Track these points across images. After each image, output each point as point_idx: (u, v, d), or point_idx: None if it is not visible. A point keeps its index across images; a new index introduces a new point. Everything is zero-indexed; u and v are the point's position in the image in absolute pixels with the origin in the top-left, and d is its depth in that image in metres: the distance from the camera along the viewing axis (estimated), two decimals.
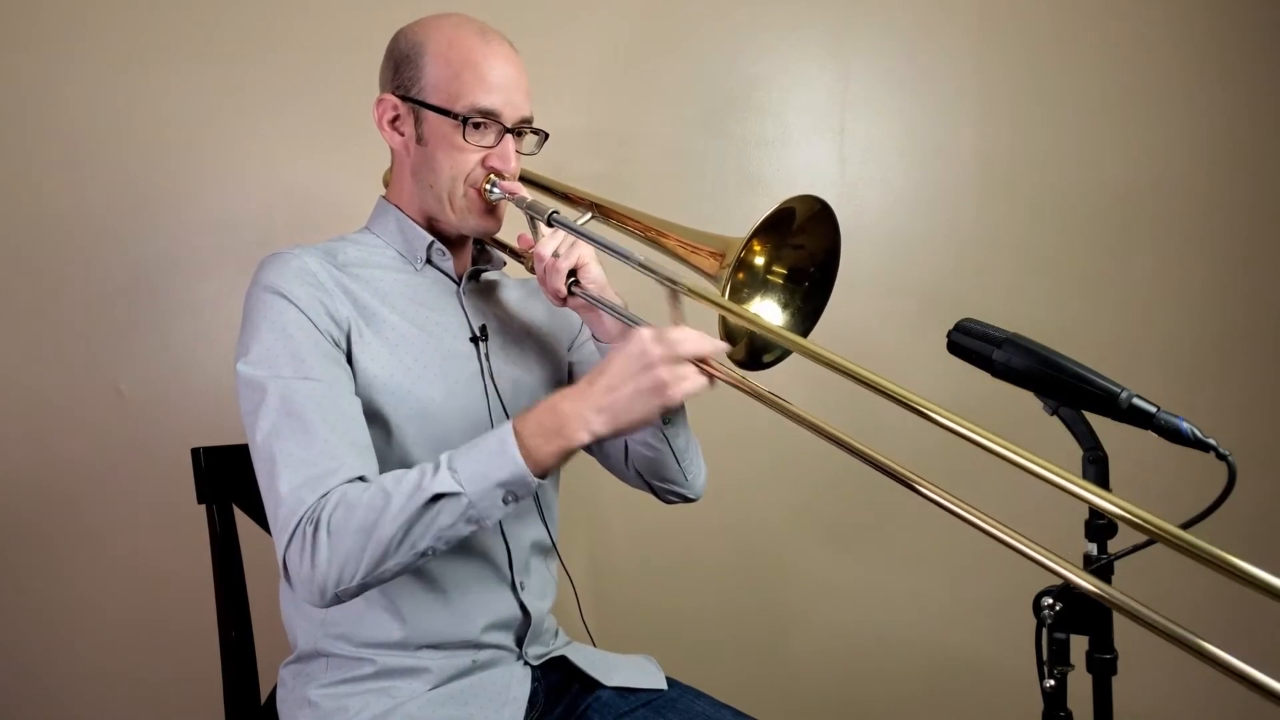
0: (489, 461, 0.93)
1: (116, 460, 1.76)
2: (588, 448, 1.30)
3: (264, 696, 1.27)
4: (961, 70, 2.06)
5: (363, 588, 0.95)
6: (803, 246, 1.06)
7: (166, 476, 1.69)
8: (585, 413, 0.94)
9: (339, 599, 0.95)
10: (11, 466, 1.74)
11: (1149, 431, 0.79)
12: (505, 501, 0.94)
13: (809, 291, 1.07)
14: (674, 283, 0.99)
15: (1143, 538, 0.79)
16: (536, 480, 0.94)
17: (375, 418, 1.05)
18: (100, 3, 1.75)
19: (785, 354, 1.05)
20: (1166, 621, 0.68)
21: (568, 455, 0.96)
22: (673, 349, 0.92)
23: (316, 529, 0.93)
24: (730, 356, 1.00)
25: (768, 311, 1.08)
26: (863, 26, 2.04)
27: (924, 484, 0.81)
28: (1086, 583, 0.73)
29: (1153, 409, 0.79)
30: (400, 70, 1.13)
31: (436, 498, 0.92)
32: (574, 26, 1.94)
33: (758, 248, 1.06)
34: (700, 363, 0.94)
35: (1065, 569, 0.73)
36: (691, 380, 0.93)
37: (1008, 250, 2.07)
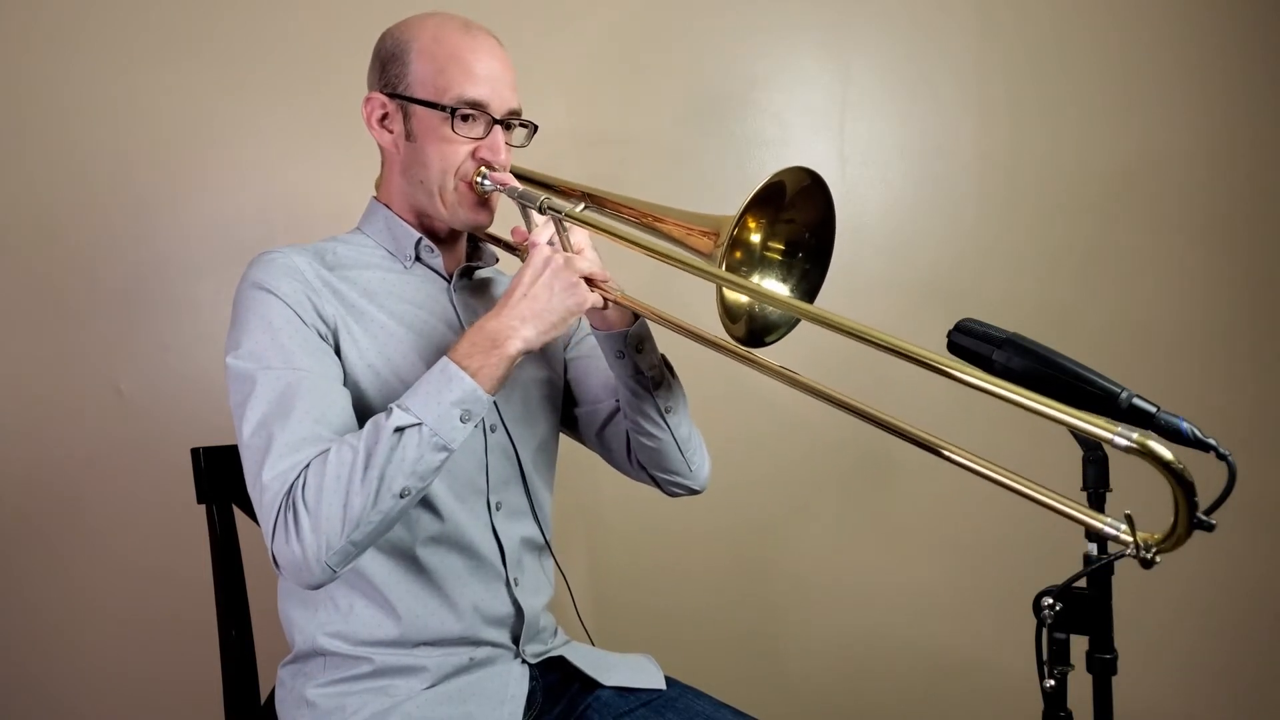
0: (437, 389, 0.97)
1: (116, 460, 1.76)
2: (585, 440, 1.31)
3: (264, 696, 1.28)
4: (961, 70, 2.06)
5: (350, 549, 0.95)
6: (795, 220, 1.05)
7: (166, 476, 1.69)
8: (512, 322, 1.00)
9: (331, 569, 0.95)
10: (11, 466, 1.74)
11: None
12: (463, 420, 0.97)
13: (806, 266, 1.07)
14: (556, 210, 1.06)
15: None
16: (487, 395, 0.98)
17: (364, 418, 1.05)
18: (100, 3, 1.75)
19: (787, 330, 1.05)
20: None
21: (508, 366, 1.00)
22: (571, 261, 1.03)
23: (294, 508, 0.94)
24: (731, 334, 1.02)
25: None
26: (863, 26, 2.04)
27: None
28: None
29: (1152, 409, 0.79)
30: (387, 68, 1.13)
31: (398, 432, 0.94)
32: (573, 27, 1.94)
33: (751, 225, 1.05)
34: (589, 280, 1.03)
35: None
36: (592, 294, 1.03)
37: (1008, 250, 2.07)
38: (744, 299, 1.04)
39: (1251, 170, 2.12)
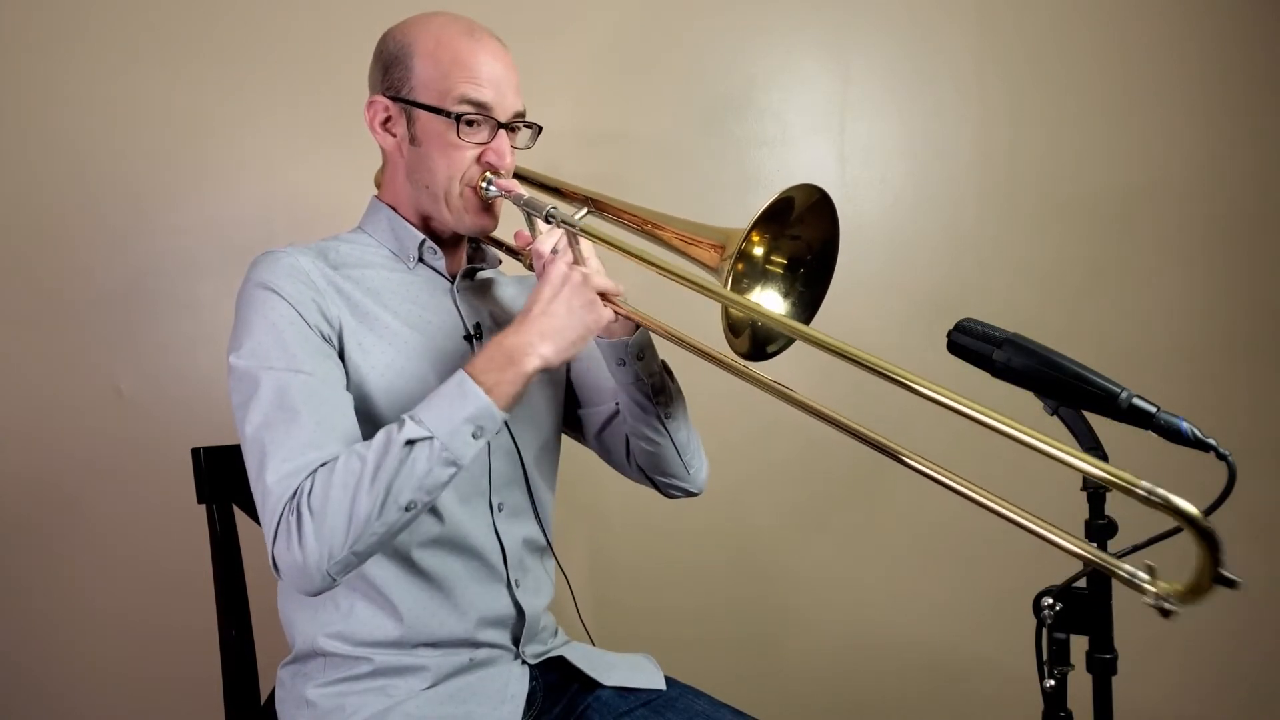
0: (450, 403, 0.96)
1: (116, 460, 1.76)
2: (586, 441, 1.31)
3: (264, 696, 1.27)
4: (961, 70, 2.06)
5: (352, 559, 0.95)
6: (800, 236, 1.06)
7: (166, 476, 1.69)
8: (530, 338, 1.00)
9: (331, 578, 0.95)
10: (11, 466, 1.74)
11: (1149, 431, 0.79)
12: (474, 437, 0.96)
13: (808, 281, 1.08)
14: (570, 225, 1.05)
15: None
16: (501, 413, 0.98)
17: (368, 418, 1.05)
18: (100, 3, 1.75)
19: (788, 344, 1.05)
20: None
21: (524, 383, 1.00)
22: (589, 278, 1.03)
23: (299, 514, 0.93)
24: (734, 348, 1.03)
25: (768, 302, 1.08)
26: (863, 26, 2.04)
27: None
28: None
29: (1152, 409, 0.79)
30: (390, 71, 1.13)
31: (408, 444, 0.93)
32: (573, 27, 1.94)
33: (757, 238, 1.06)
34: (603, 296, 1.03)
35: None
36: (607, 309, 1.03)
37: (1008, 250, 2.07)
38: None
39: (1252, 172, 2.12)
